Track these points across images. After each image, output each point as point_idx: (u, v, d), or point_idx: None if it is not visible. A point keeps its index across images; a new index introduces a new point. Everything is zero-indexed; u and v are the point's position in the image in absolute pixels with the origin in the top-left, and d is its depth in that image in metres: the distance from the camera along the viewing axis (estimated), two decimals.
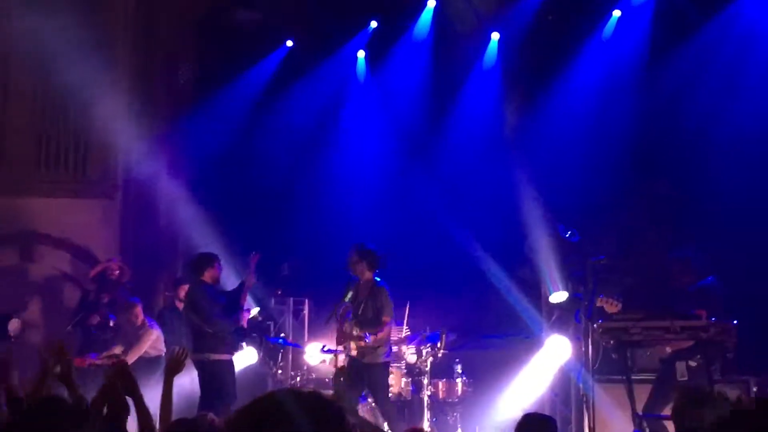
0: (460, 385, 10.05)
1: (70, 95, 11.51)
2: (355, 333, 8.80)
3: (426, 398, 9.75)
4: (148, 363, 10.15)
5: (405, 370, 9.98)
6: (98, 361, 9.92)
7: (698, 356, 7.84)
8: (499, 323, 11.23)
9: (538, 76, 11.75)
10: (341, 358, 8.76)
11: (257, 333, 10.77)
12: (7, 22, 11.58)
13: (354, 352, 8.81)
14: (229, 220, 11.59)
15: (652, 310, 8.16)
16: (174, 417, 5.10)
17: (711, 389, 5.71)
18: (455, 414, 10.10)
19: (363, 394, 9.11)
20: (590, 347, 8.36)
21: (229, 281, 10.32)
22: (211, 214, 11.65)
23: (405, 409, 9.96)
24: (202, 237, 11.29)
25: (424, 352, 9.88)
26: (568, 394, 10.05)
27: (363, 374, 8.75)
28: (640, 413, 7.88)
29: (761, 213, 10.00)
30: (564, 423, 9.95)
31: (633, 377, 8.13)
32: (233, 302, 9.34)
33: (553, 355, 10.01)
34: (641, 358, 9.10)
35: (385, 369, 8.96)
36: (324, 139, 12.42)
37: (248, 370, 10.37)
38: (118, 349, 10.20)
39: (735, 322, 7.84)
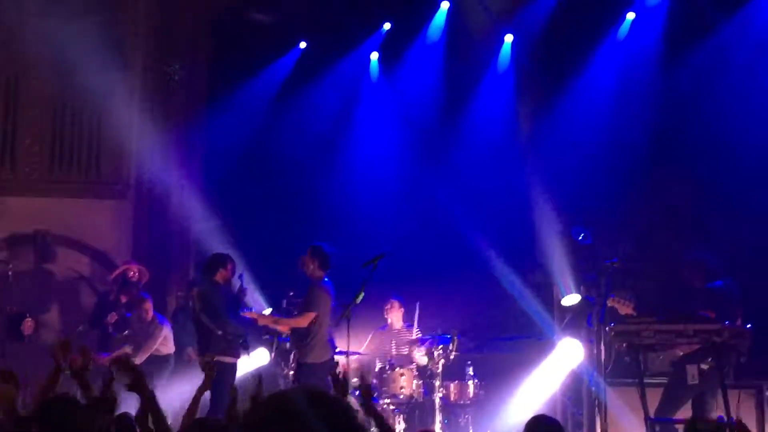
0: (471, 387, 10.01)
1: (83, 96, 11.56)
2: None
3: (437, 400, 9.73)
4: (157, 361, 10.19)
5: (416, 372, 9.95)
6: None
7: (709, 359, 7.78)
8: (511, 325, 11.19)
9: (551, 78, 11.69)
10: (353, 358, 8.76)
11: (269, 334, 10.76)
12: (21, 24, 11.63)
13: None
14: (242, 221, 11.60)
15: (661, 313, 8.14)
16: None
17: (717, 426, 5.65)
18: (467, 416, 10.07)
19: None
20: (602, 350, 8.32)
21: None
22: (224, 215, 11.67)
23: (416, 411, 9.94)
24: (215, 238, 11.31)
25: (435, 354, 9.86)
26: (580, 398, 10.00)
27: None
28: (653, 417, 7.83)
29: None
30: (576, 426, 9.91)
31: (646, 381, 8.08)
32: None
33: (565, 358, 9.96)
34: (654, 361, 9.04)
35: (309, 370, 8.94)
36: (337, 140, 12.41)
37: (260, 371, 10.35)
38: (128, 348, 10.23)
39: (749, 325, 7.78)
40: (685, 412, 8.02)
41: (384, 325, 10.62)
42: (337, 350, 9.84)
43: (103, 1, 11.87)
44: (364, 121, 12.59)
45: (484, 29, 12.15)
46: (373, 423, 4.60)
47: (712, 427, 5.59)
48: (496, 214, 11.15)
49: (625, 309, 8.17)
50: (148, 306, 10.38)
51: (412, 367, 9.98)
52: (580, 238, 9.67)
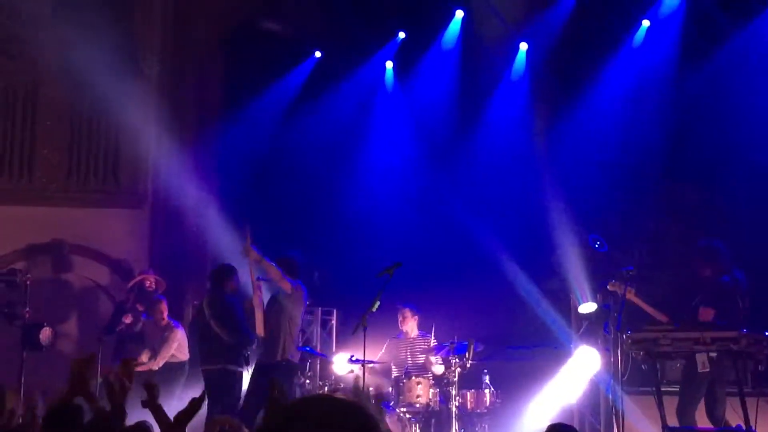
0: (488, 395, 9.99)
1: (100, 106, 11.64)
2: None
3: (454, 409, 9.71)
4: (170, 369, 10.20)
5: (433, 381, 9.94)
6: None
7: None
8: (528, 334, 11.17)
9: (566, 86, 11.71)
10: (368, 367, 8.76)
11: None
12: (37, 34, 11.72)
13: None
14: (258, 230, 11.61)
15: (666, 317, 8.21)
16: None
17: None
18: (483, 425, 10.05)
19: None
20: (619, 358, 8.32)
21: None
22: (239, 224, 11.68)
23: (433, 420, 9.93)
24: (231, 246, 11.33)
25: (452, 362, 9.84)
26: (597, 406, 9.99)
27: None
28: (670, 425, 7.81)
29: None
30: None
31: (663, 389, 8.07)
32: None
33: (582, 366, 9.94)
34: (671, 369, 9.03)
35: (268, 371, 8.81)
36: (353, 150, 12.45)
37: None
38: (144, 356, 10.27)
39: (767, 333, 7.76)
40: (701, 420, 8.01)
41: (399, 333, 10.61)
42: (353, 358, 9.86)
43: (118, 13, 11.96)
44: (379, 130, 12.63)
45: (498, 37, 12.18)
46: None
47: None
48: (512, 222, 11.15)
49: (629, 295, 8.27)
50: (163, 307, 10.45)
51: (428, 375, 9.96)
52: (596, 245, 9.67)
